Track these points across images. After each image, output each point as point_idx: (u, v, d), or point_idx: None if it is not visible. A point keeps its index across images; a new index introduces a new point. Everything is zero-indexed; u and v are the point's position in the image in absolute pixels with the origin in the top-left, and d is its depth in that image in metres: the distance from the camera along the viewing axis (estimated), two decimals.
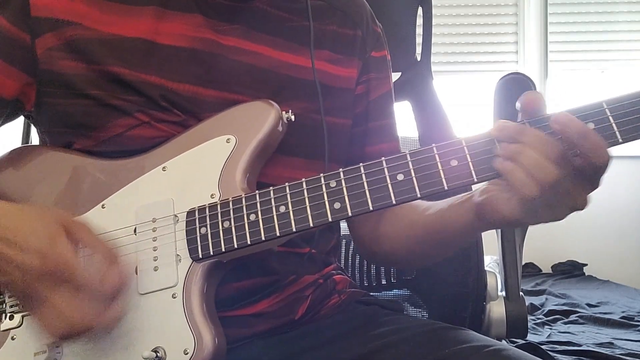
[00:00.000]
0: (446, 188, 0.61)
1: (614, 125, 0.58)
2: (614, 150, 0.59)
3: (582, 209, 0.61)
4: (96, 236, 0.65)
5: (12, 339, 0.69)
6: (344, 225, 0.97)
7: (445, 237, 0.76)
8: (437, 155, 0.62)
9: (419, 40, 1.21)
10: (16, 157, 0.78)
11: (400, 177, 0.63)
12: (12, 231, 0.59)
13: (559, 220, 0.62)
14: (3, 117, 0.78)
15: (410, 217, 0.80)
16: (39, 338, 0.64)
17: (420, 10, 1.22)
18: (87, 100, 0.73)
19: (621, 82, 3.46)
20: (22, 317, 0.69)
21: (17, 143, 1.38)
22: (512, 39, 3.61)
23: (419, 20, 1.21)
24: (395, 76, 1.16)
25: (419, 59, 1.21)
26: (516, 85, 1.08)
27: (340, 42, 0.86)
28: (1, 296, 0.71)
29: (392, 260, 0.92)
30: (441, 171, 0.62)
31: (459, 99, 3.46)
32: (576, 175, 0.59)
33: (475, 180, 0.61)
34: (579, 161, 0.58)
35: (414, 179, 0.62)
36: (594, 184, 0.60)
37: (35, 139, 1.39)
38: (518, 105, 0.61)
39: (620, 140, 0.58)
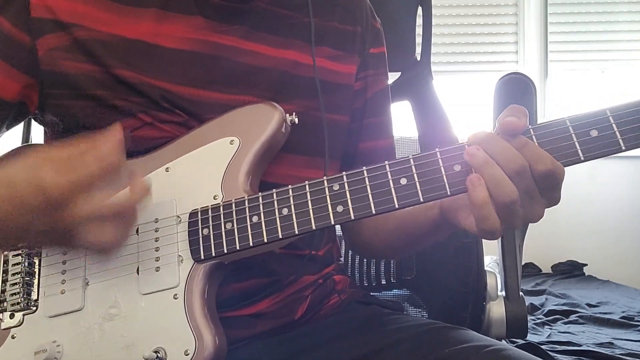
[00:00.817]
0: (449, 193, 0.61)
1: (617, 133, 0.58)
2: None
3: (536, 222, 0.62)
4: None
5: (13, 337, 0.69)
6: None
7: (413, 232, 0.77)
8: (440, 160, 0.62)
9: (418, 40, 1.21)
10: (15, 156, 0.78)
11: (403, 181, 0.63)
12: (6, 192, 0.58)
13: (512, 229, 0.62)
14: (8, 120, 0.78)
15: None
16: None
17: (420, 10, 1.22)
18: (91, 101, 0.73)
19: (621, 82, 3.46)
20: (23, 315, 0.70)
21: (17, 143, 1.38)
22: (512, 39, 3.61)
23: (419, 20, 1.21)
24: (395, 76, 1.16)
25: (418, 58, 1.21)
26: (516, 85, 1.08)
27: (341, 39, 0.86)
28: (2, 294, 0.71)
29: (370, 250, 0.94)
30: (444, 176, 0.62)
31: (459, 99, 3.46)
32: (533, 189, 0.59)
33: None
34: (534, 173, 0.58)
35: (417, 183, 0.62)
36: (551, 198, 0.61)
37: (35, 138, 1.39)
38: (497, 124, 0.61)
39: (624, 147, 0.59)
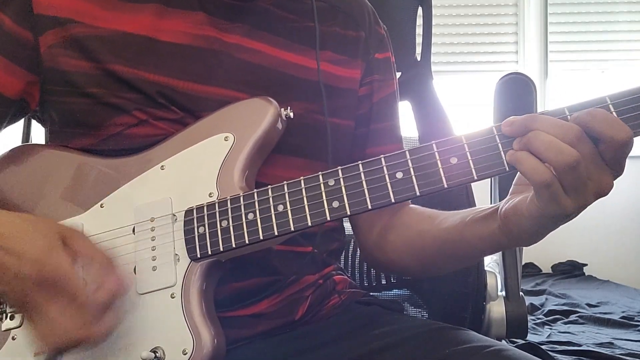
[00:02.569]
0: (446, 186, 0.61)
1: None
2: None
3: (607, 194, 0.59)
4: (93, 244, 0.64)
5: (13, 339, 0.68)
6: (347, 224, 0.96)
7: (460, 252, 0.74)
8: (436, 153, 0.61)
9: (418, 40, 1.21)
10: (15, 156, 0.78)
11: (399, 175, 0.62)
12: (10, 240, 0.59)
13: (586, 207, 0.59)
14: (9, 116, 0.78)
15: (420, 226, 0.79)
16: (35, 348, 0.63)
17: (420, 10, 1.22)
18: (87, 99, 0.73)
19: (621, 82, 3.46)
20: (23, 317, 0.69)
21: (17, 142, 1.38)
22: (512, 39, 3.62)
23: (419, 20, 1.21)
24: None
25: (419, 59, 1.21)
26: (516, 85, 1.08)
27: (343, 44, 0.85)
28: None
29: (396, 269, 0.92)
30: (441, 169, 0.61)
31: (459, 99, 3.46)
32: (596, 156, 0.57)
33: (476, 178, 0.60)
34: (599, 143, 0.57)
35: (413, 177, 0.62)
36: (617, 167, 0.58)
37: (35, 138, 1.39)
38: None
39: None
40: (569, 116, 0.59)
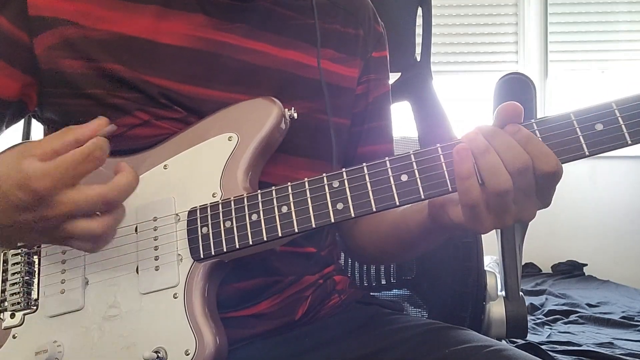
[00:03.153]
0: (450, 190, 0.61)
1: (623, 126, 0.57)
2: (618, 151, 0.59)
3: (528, 221, 0.61)
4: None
5: (14, 337, 0.69)
6: None
7: (404, 236, 0.76)
8: (441, 156, 0.61)
9: (418, 40, 1.21)
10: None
11: (404, 177, 0.62)
12: None
13: (503, 227, 0.61)
14: (6, 118, 0.78)
15: (382, 213, 0.80)
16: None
17: (420, 11, 1.22)
18: (88, 100, 0.73)
19: (621, 82, 3.46)
20: (23, 315, 0.69)
21: (18, 141, 1.38)
22: (512, 39, 3.62)
23: (419, 21, 1.21)
24: (395, 76, 1.16)
25: (418, 59, 1.21)
26: (516, 85, 1.08)
27: (344, 41, 0.85)
28: (2, 294, 0.71)
29: (364, 255, 0.93)
30: (445, 172, 0.61)
31: (459, 99, 3.46)
32: (530, 189, 0.58)
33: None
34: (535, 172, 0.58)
35: (418, 179, 0.62)
36: (545, 199, 0.60)
37: (35, 137, 1.39)
38: (495, 115, 0.60)
39: (630, 142, 0.57)
40: (574, 121, 0.59)
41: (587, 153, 0.58)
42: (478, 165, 0.58)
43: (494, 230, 1.07)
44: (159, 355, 0.63)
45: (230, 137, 0.71)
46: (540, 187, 0.59)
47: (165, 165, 0.72)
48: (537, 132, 0.59)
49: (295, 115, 0.73)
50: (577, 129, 0.58)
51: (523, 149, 0.58)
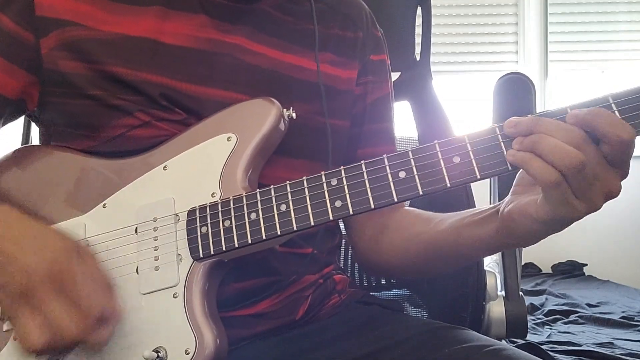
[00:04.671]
0: (449, 185, 0.61)
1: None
2: None
3: (616, 195, 0.60)
4: (99, 264, 0.64)
5: (15, 339, 0.69)
6: (342, 223, 0.96)
7: (457, 254, 0.75)
8: (439, 153, 0.62)
9: (418, 40, 1.22)
10: (18, 157, 0.78)
11: (402, 174, 0.62)
12: (26, 237, 0.59)
13: (596, 210, 0.59)
14: (4, 116, 0.78)
15: (417, 228, 0.79)
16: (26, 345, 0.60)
17: (419, 10, 1.22)
18: (89, 101, 0.73)
19: (621, 82, 3.46)
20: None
21: (17, 143, 1.38)
22: (512, 39, 3.62)
23: (418, 20, 1.21)
24: (394, 76, 1.16)
25: (418, 58, 1.21)
26: (516, 85, 1.08)
27: (343, 45, 0.86)
28: None
29: (390, 271, 0.92)
30: (444, 168, 0.61)
31: (459, 99, 3.46)
32: (601, 157, 0.57)
33: (479, 177, 0.61)
34: (603, 146, 0.57)
35: (416, 176, 0.62)
36: (622, 167, 0.59)
37: (35, 139, 1.39)
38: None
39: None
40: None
41: None
42: (540, 152, 0.57)
43: None
44: (159, 354, 0.63)
45: (229, 137, 0.72)
46: (610, 156, 0.57)
47: (165, 167, 0.72)
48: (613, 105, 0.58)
49: (294, 115, 0.74)
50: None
51: (569, 126, 0.57)
